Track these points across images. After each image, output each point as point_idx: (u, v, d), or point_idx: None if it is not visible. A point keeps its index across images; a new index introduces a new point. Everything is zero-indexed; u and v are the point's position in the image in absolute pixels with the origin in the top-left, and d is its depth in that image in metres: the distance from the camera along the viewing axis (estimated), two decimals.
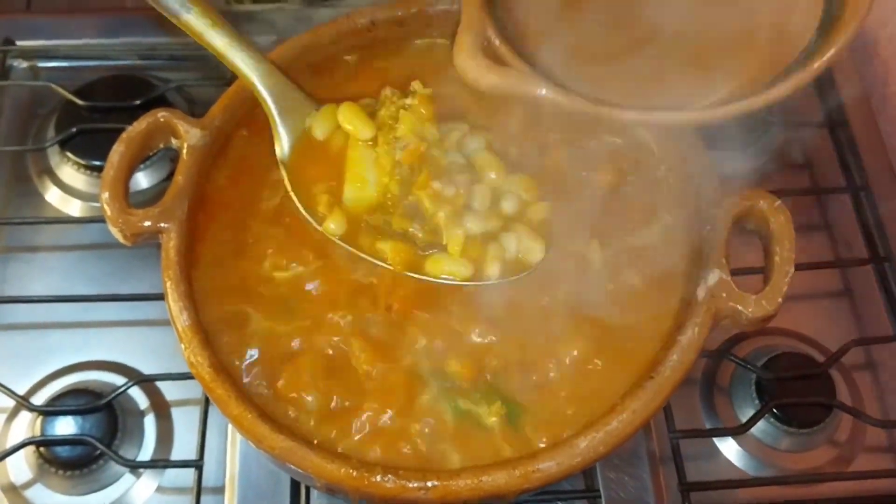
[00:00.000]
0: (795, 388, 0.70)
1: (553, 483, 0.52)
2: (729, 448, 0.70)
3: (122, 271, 0.75)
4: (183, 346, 0.54)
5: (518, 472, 0.51)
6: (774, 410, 0.69)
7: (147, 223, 0.57)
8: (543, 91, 0.55)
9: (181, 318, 0.55)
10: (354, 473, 0.51)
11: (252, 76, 0.60)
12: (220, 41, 0.60)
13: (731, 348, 0.72)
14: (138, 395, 0.70)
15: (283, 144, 0.60)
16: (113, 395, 0.67)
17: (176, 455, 0.69)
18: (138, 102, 0.79)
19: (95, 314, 0.73)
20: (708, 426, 0.71)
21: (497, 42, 0.59)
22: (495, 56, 0.58)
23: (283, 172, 0.60)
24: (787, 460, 0.70)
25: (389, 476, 0.51)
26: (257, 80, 0.60)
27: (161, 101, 0.80)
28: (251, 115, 0.63)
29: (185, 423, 0.70)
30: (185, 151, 0.60)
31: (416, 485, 0.51)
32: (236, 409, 0.52)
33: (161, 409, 0.70)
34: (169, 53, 0.85)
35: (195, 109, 0.83)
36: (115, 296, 0.72)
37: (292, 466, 0.51)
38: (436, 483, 0.51)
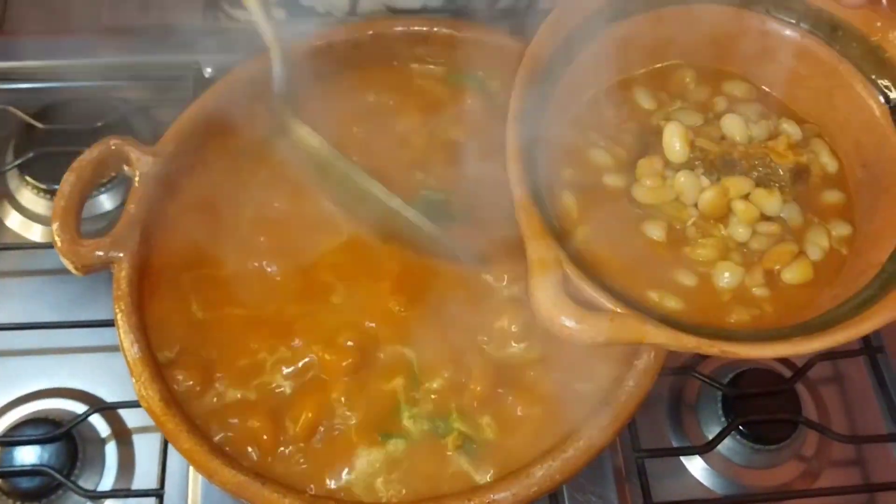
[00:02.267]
0: (761, 405, 0.69)
1: None
2: (695, 465, 0.70)
3: (83, 297, 0.74)
4: (133, 379, 0.54)
5: (473, 502, 0.50)
6: (740, 427, 0.69)
7: (99, 253, 0.57)
8: (653, 336, 0.48)
9: (132, 351, 0.54)
10: None
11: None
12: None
13: (696, 365, 0.72)
14: (99, 423, 0.69)
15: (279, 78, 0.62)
16: (72, 423, 0.66)
17: (138, 483, 0.68)
18: (99, 125, 0.77)
19: (56, 341, 0.72)
20: (675, 443, 0.71)
21: (578, 280, 0.49)
22: (576, 295, 0.48)
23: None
24: (754, 477, 0.69)
25: None
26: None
27: (123, 123, 0.79)
28: (205, 141, 0.63)
29: (147, 451, 0.69)
30: (137, 179, 0.59)
31: None
32: (187, 442, 0.52)
33: (122, 436, 0.69)
34: (130, 74, 0.83)
35: (158, 130, 0.81)
36: (76, 322, 0.71)
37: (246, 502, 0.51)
38: None
